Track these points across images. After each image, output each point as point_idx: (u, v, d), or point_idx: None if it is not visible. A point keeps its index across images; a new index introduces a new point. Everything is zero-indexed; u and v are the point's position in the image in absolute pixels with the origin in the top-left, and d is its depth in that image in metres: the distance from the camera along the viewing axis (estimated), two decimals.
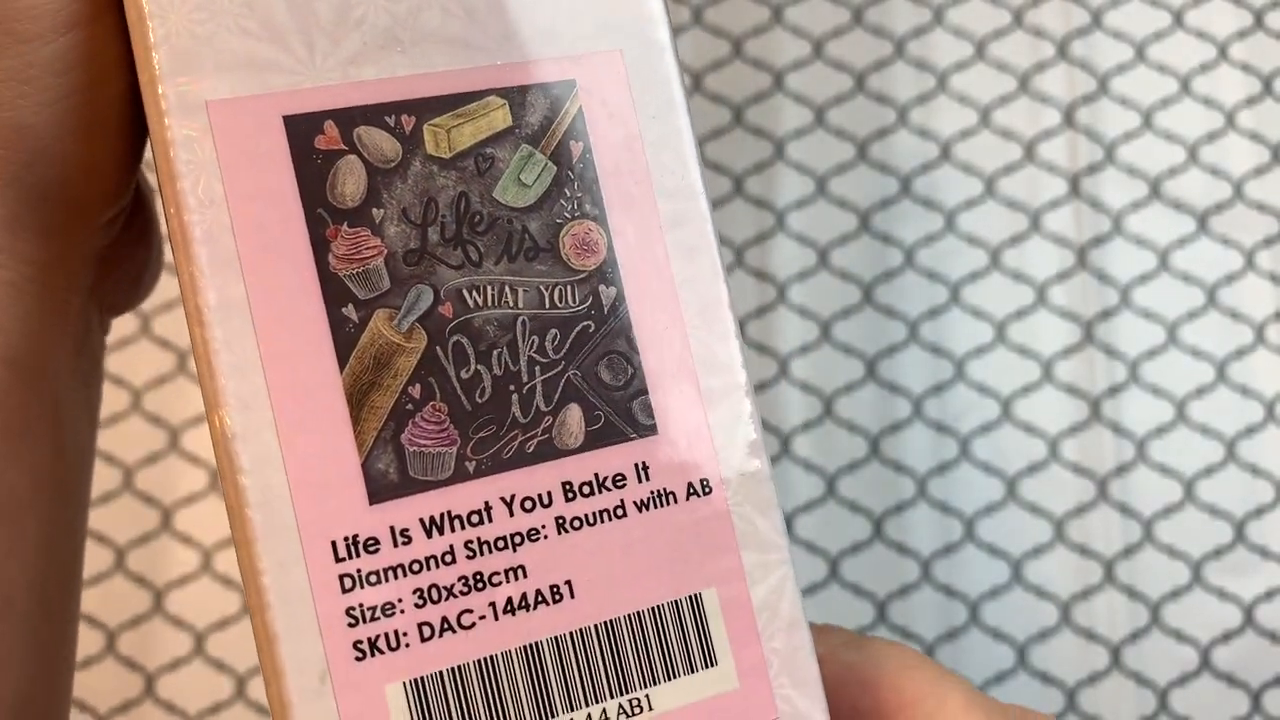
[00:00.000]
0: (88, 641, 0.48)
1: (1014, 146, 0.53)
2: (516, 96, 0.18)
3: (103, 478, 0.49)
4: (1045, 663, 0.50)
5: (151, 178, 0.21)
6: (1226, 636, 0.50)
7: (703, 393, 0.19)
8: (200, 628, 0.49)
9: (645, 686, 0.18)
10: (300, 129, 0.17)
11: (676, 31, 0.54)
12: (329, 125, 0.17)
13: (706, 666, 0.18)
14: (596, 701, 0.18)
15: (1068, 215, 0.53)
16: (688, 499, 0.18)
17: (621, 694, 0.18)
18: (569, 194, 0.18)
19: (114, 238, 0.21)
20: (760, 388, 0.51)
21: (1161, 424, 0.52)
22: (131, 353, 0.50)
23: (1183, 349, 0.52)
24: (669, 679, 0.18)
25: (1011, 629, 0.50)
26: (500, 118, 0.18)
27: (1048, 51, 0.54)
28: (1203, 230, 0.53)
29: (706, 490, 0.19)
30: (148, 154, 0.19)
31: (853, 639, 0.21)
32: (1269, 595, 0.50)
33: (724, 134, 0.53)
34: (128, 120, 0.19)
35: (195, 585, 0.49)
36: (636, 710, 0.18)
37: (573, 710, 0.18)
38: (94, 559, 0.48)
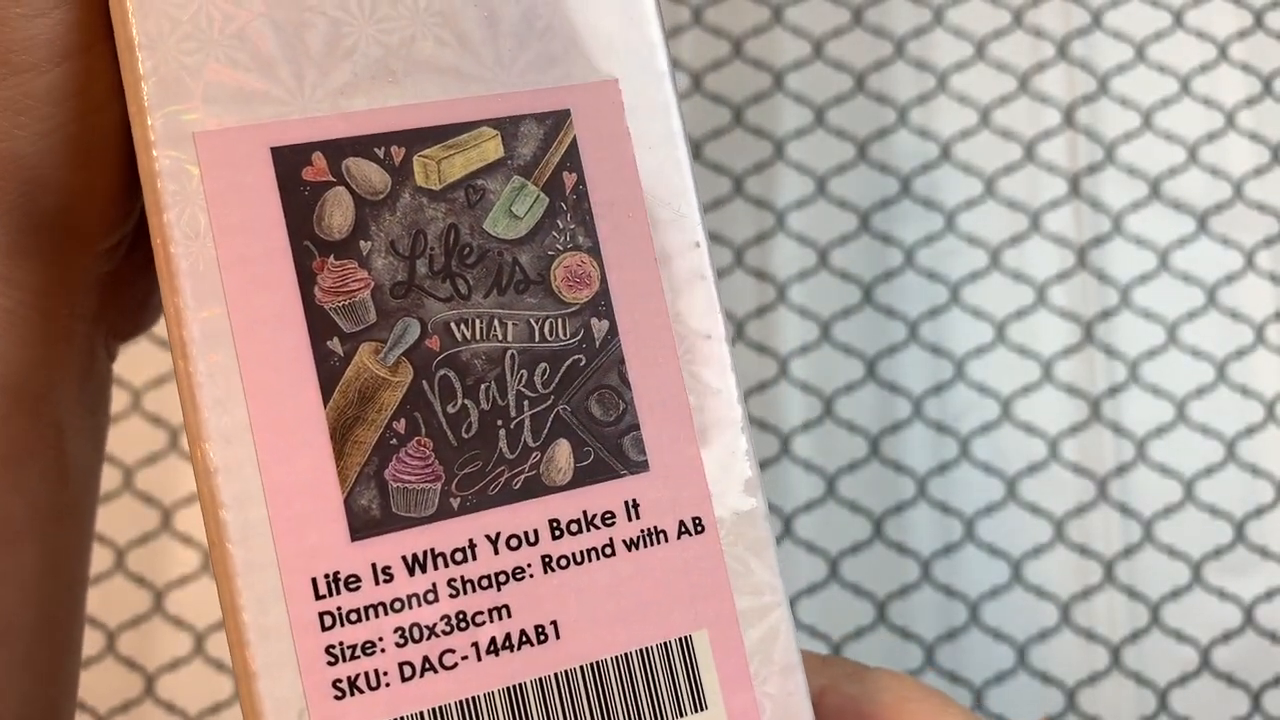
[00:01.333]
0: (88, 642, 0.48)
1: (1014, 146, 0.53)
2: (509, 127, 0.18)
3: (103, 478, 0.49)
4: (1045, 663, 0.50)
5: None
6: (1226, 636, 0.50)
7: (697, 429, 0.18)
8: (200, 628, 0.49)
9: None
10: (288, 160, 0.17)
11: (676, 32, 0.54)
12: (317, 157, 0.17)
13: (696, 710, 0.18)
14: None
15: (1068, 215, 0.53)
16: (679, 538, 0.18)
17: None
18: (561, 225, 0.18)
19: (118, 264, 0.21)
20: (760, 388, 0.51)
21: (1161, 424, 0.52)
22: (131, 353, 0.50)
23: (1183, 349, 0.52)
24: None
25: (1011, 629, 0.50)
26: (492, 149, 0.18)
27: (1048, 51, 0.54)
28: (1203, 230, 0.53)
29: (699, 529, 0.18)
30: None
31: (854, 671, 0.21)
32: (1269, 595, 0.51)
33: (724, 134, 0.53)
34: (126, 148, 0.19)
35: (195, 585, 0.49)
36: None
37: None
38: (94, 559, 0.48)
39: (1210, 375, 0.52)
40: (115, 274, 0.21)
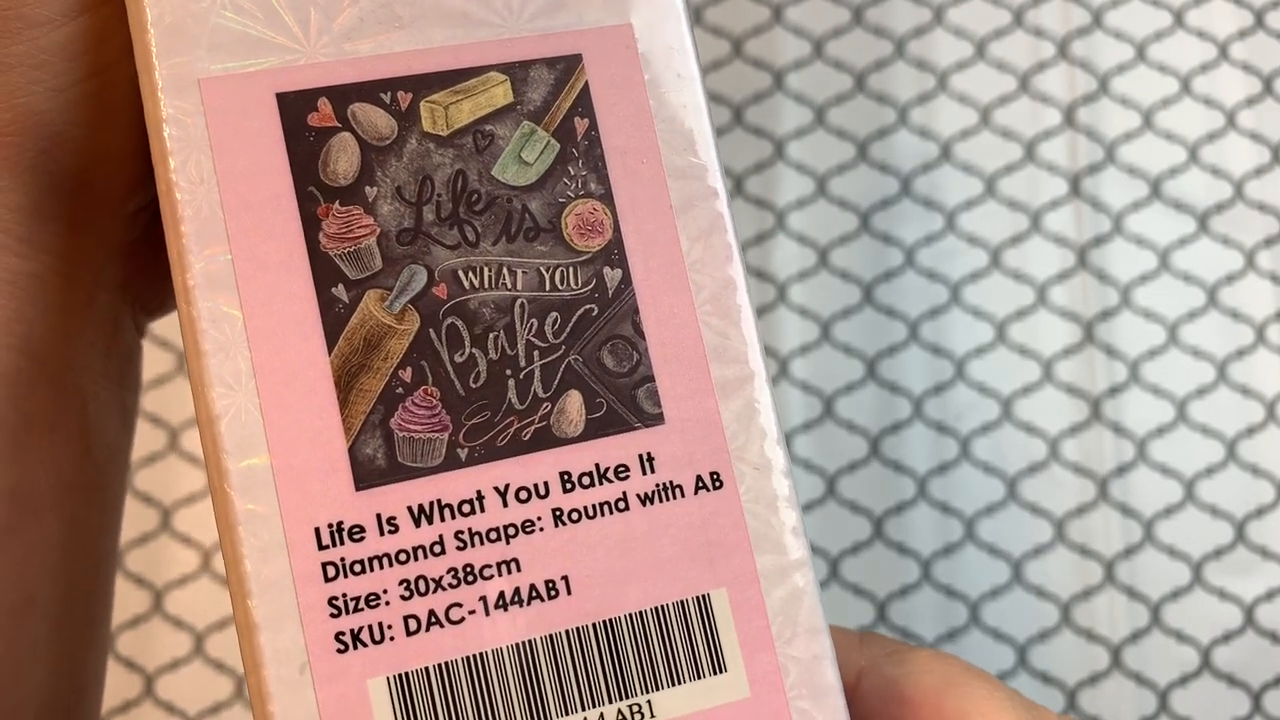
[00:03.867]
0: None
1: (1014, 146, 0.53)
2: (518, 72, 0.17)
3: None
4: (1045, 663, 0.50)
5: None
6: (1227, 637, 0.50)
7: (715, 381, 0.18)
8: (200, 628, 0.49)
9: (646, 691, 0.17)
10: (293, 106, 0.17)
11: None
12: (323, 102, 0.17)
13: (714, 673, 0.17)
14: (593, 705, 0.17)
15: (1068, 215, 0.53)
16: (696, 493, 0.17)
17: (621, 698, 0.17)
18: (573, 172, 0.18)
19: (141, 232, 0.21)
20: None
21: (1162, 424, 0.52)
22: None
23: (1183, 349, 0.52)
24: (672, 684, 0.17)
25: (1012, 629, 0.50)
26: (501, 94, 0.17)
27: (1048, 51, 0.54)
28: (1203, 230, 0.53)
29: (717, 484, 0.17)
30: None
31: (896, 650, 0.20)
32: (1269, 595, 0.50)
33: (724, 134, 0.53)
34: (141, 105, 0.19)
35: (195, 585, 0.49)
36: (636, 716, 0.17)
37: (568, 714, 0.17)
38: None
39: (1211, 375, 0.52)
40: (140, 243, 0.21)
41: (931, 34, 0.54)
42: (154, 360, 0.50)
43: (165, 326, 0.50)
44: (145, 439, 0.50)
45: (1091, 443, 0.51)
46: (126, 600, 0.49)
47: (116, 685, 0.48)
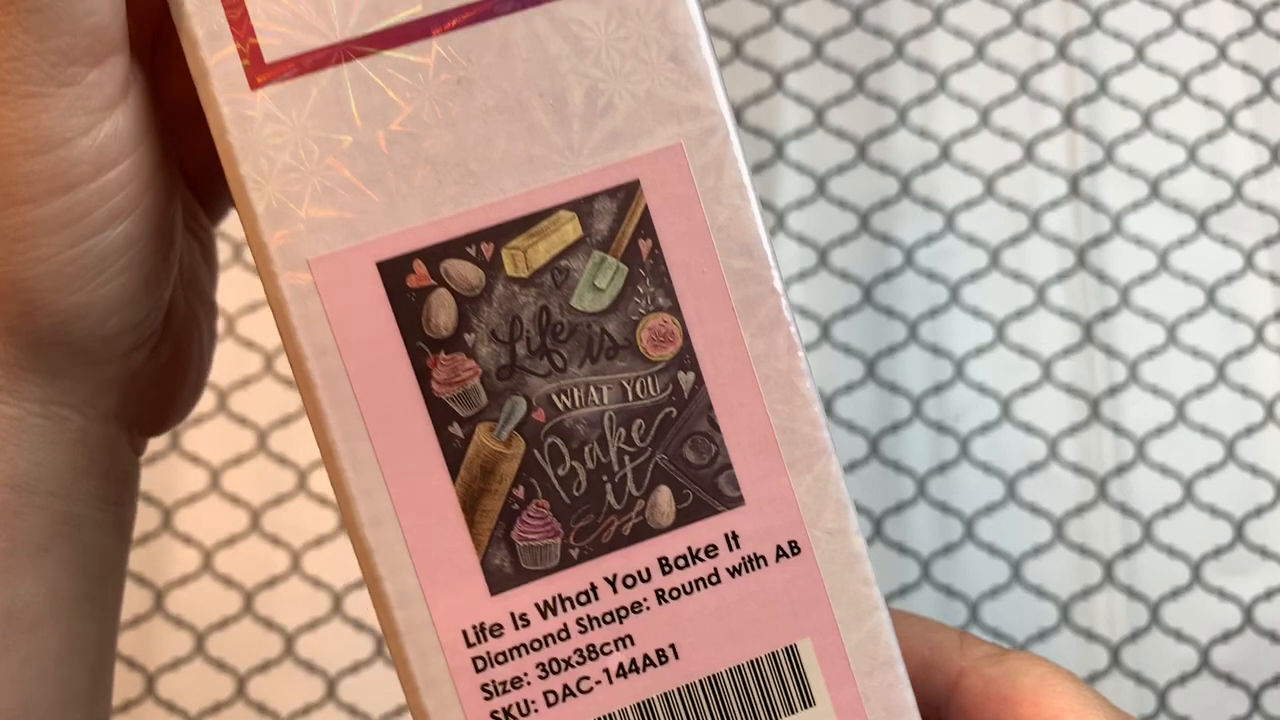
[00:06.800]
0: None
1: (1014, 147, 0.53)
2: (584, 207, 0.19)
3: None
4: None
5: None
6: (1226, 636, 0.50)
7: (786, 461, 0.20)
8: (201, 628, 0.49)
9: None
10: (393, 272, 0.19)
11: None
12: (418, 264, 0.19)
13: (805, 707, 0.20)
14: None
15: (1067, 215, 0.53)
16: (777, 561, 0.20)
17: None
18: (642, 290, 0.19)
19: (139, 366, 0.22)
20: None
21: (1161, 424, 0.52)
22: None
23: (1182, 349, 0.52)
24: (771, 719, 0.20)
25: (1011, 629, 0.50)
26: (571, 230, 0.19)
27: (1047, 52, 0.54)
28: (1202, 230, 0.53)
29: (795, 551, 0.20)
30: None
31: (994, 652, 0.22)
32: (1268, 595, 0.51)
33: None
34: (128, 264, 0.20)
35: (195, 585, 0.49)
36: None
37: None
38: None
39: (1210, 375, 0.52)
40: (137, 374, 0.22)
41: (931, 35, 0.54)
42: None
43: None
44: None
45: (1091, 442, 0.51)
46: (127, 600, 0.49)
47: (117, 685, 0.48)
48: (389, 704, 0.49)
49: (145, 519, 0.49)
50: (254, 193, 0.18)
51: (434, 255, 0.19)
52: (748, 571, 0.20)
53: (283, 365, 0.51)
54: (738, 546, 0.20)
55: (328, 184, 0.19)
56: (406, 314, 0.19)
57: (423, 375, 0.19)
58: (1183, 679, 0.50)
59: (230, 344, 0.51)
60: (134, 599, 0.49)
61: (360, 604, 0.50)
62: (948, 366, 0.52)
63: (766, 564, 0.20)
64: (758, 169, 0.53)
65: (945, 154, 0.53)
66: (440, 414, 0.19)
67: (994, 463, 0.51)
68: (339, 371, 0.19)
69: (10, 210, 0.18)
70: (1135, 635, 0.50)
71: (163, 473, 0.50)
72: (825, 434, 0.20)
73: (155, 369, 0.22)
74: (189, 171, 0.23)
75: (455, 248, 0.19)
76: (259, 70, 0.18)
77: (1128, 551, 0.51)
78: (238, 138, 0.18)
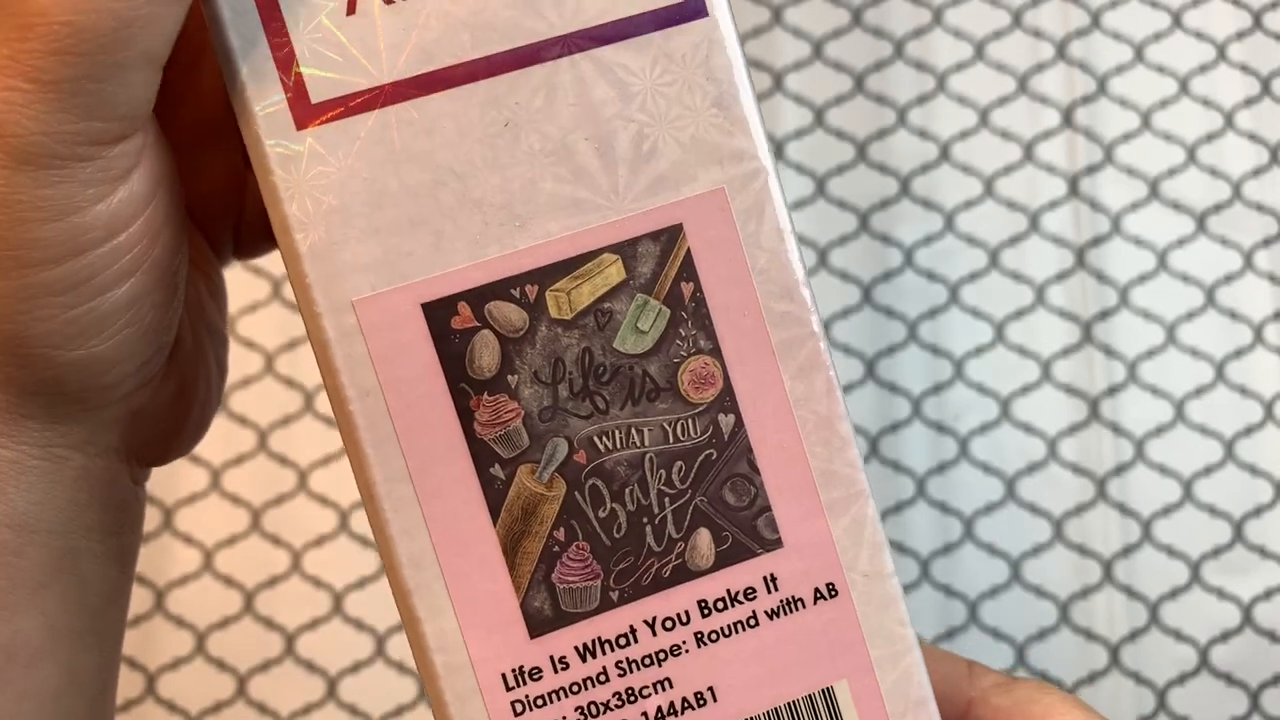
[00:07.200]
0: None
1: (1013, 147, 0.54)
2: (628, 250, 0.19)
3: None
4: (1044, 662, 0.50)
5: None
6: (1225, 636, 0.50)
7: (824, 503, 0.20)
8: (201, 627, 0.49)
9: None
10: (437, 313, 0.19)
11: None
12: (462, 306, 0.19)
13: None
14: None
15: (1067, 215, 0.53)
16: (815, 604, 0.20)
17: None
18: (684, 333, 0.20)
19: (141, 404, 0.22)
20: None
21: (1160, 424, 0.52)
22: None
23: (1181, 349, 0.52)
24: None
25: (1010, 628, 0.50)
26: (614, 273, 0.19)
27: (1047, 52, 0.54)
28: (1201, 230, 0.53)
29: (833, 593, 0.20)
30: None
31: (1003, 682, 0.22)
32: (1267, 594, 0.51)
33: None
34: (140, 318, 0.20)
35: (196, 585, 0.50)
36: None
37: None
38: None
39: (1209, 375, 0.52)
40: (139, 412, 0.22)
41: (930, 35, 0.54)
42: None
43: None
44: None
45: (1090, 442, 0.52)
46: None
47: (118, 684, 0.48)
48: (389, 704, 0.49)
49: (147, 519, 0.49)
50: (298, 233, 0.18)
51: (478, 297, 0.19)
52: (786, 614, 0.20)
53: (283, 365, 0.51)
54: (776, 589, 0.20)
55: (373, 225, 0.19)
56: (450, 355, 0.19)
57: (465, 416, 0.19)
58: (1182, 679, 0.50)
59: (231, 345, 0.51)
60: (135, 599, 0.49)
61: (360, 604, 0.50)
62: (947, 366, 0.52)
63: (804, 606, 0.20)
64: None
65: (945, 154, 0.53)
66: (482, 455, 0.19)
67: (993, 463, 0.51)
68: (381, 412, 0.19)
69: (18, 272, 0.18)
70: (1134, 635, 0.50)
71: (163, 472, 0.50)
72: (862, 476, 0.20)
73: (159, 405, 0.22)
74: (201, 195, 0.23)
75: (500, 289, 0.19)
76: (305, 110, 0.18)
77: (1127, 551, 0.51)
78: (282, 178, 0.18)
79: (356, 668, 0.49)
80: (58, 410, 0.20)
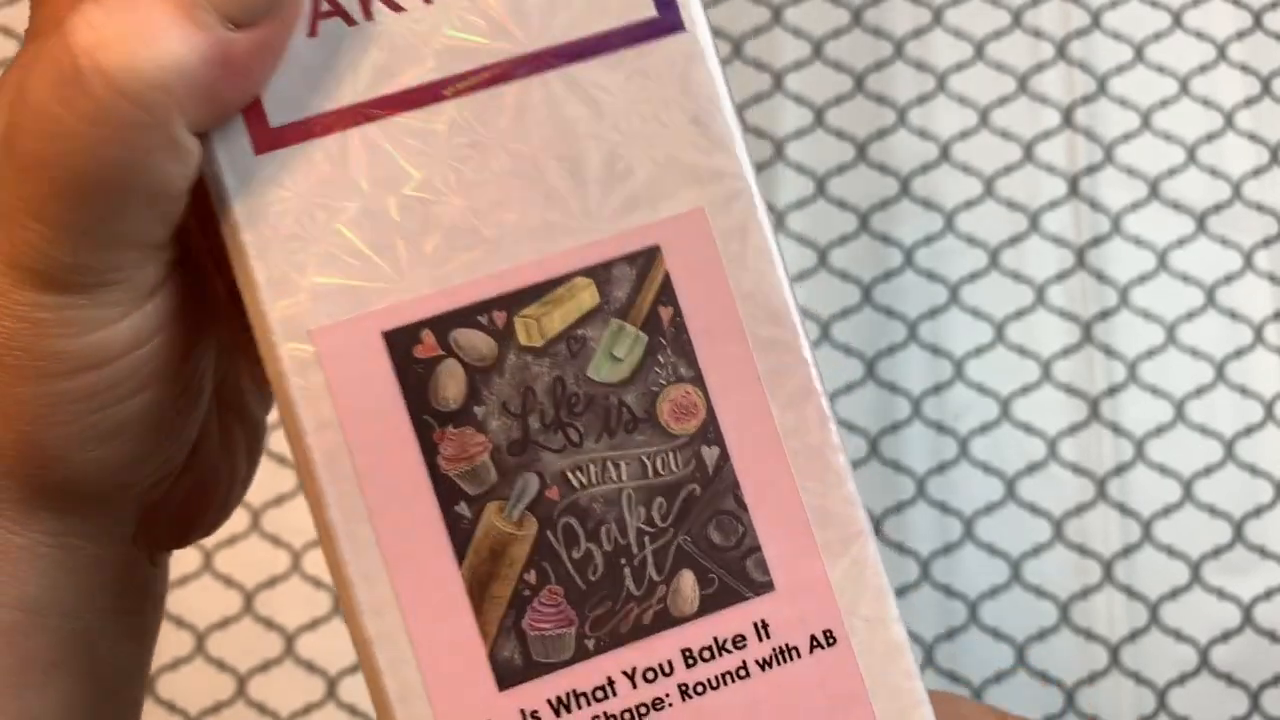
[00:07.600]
0: None
1: (1013, 147, 0.54)
2: (601, 273, 0.18)
3: None
4: (1044, 662, 0.50)
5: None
6: (1225, 636, 0.50)
7: (819, 543, 0.18)
8: (201, 628, 0.49)
9: None
10: (399, 342, 0.18)
11: None
12: (426, 334, 0.18)
13: None
14: None
15: (1067, 215, 0.53)
16: (811, 652, 0.18)
17: None
18: (663, 360, 0.18)
19: (160, 496, 0.21)
20: None
21: (1160, 424, 0.52)
22: None
23: (1181, 349, 0.52)
24: None
25: (1010, 628, 0.50)
26: (588, 298, 0.18)
27: (1047, 52, 0.54)
28: (1201, 230, 0.53)
29: (831, 641, 0.18)
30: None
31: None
32: (1268, 594, 0.51)
33: None
34: (157, 423, 0.19)
35: (196, 585, 0.50)
36: None
37: None
38: None
39: (1209, 375, 0.52)
40: (156, 504, 0.21)
41: (930, 35, 0.54)
42: None
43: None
44: None
45: (1090, 442, 0.52)
46: None
47: None
48: None
49: None
50: (255, 260, 0.18)
51: (443, 324, 0.18)
52: (779, 664, 0.18)
53: None
54: (768, 636, 0.18)
55: (333, 251, 0.18)
56: (413, 386, 0.18)
57: (429, 451, 0.18)
58: (1182, 679, 0.50)
59: None
60: None
61: None
62: (947, 366, 0.52)
63: (799, 655, 0.18)
64: (757, 169, 0.53)
65: (945, 154, 0.53)
66: (447, 492, 0.18)
67: (993, 462, 0.51)
68: (340, 447, 0.18)
69: (38, 382, 0.18)
70: (1134, 635, 0.50)
71: None
72: (861, 513, 0.19)
73: (177, 498, 0.22)
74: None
75: (466, 316, 0.18)
76: (263, 135, 0.18)
77: (1127, 551, 0.51)
78: (239, 205, 0.18)
79: (356, 668, 0.49)
80: (72, 503, 0.20)
